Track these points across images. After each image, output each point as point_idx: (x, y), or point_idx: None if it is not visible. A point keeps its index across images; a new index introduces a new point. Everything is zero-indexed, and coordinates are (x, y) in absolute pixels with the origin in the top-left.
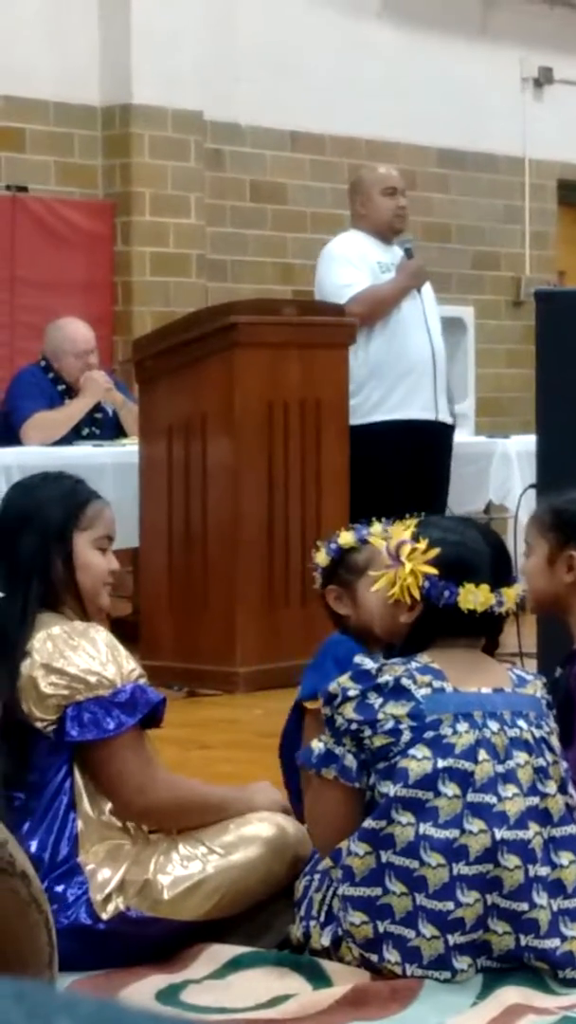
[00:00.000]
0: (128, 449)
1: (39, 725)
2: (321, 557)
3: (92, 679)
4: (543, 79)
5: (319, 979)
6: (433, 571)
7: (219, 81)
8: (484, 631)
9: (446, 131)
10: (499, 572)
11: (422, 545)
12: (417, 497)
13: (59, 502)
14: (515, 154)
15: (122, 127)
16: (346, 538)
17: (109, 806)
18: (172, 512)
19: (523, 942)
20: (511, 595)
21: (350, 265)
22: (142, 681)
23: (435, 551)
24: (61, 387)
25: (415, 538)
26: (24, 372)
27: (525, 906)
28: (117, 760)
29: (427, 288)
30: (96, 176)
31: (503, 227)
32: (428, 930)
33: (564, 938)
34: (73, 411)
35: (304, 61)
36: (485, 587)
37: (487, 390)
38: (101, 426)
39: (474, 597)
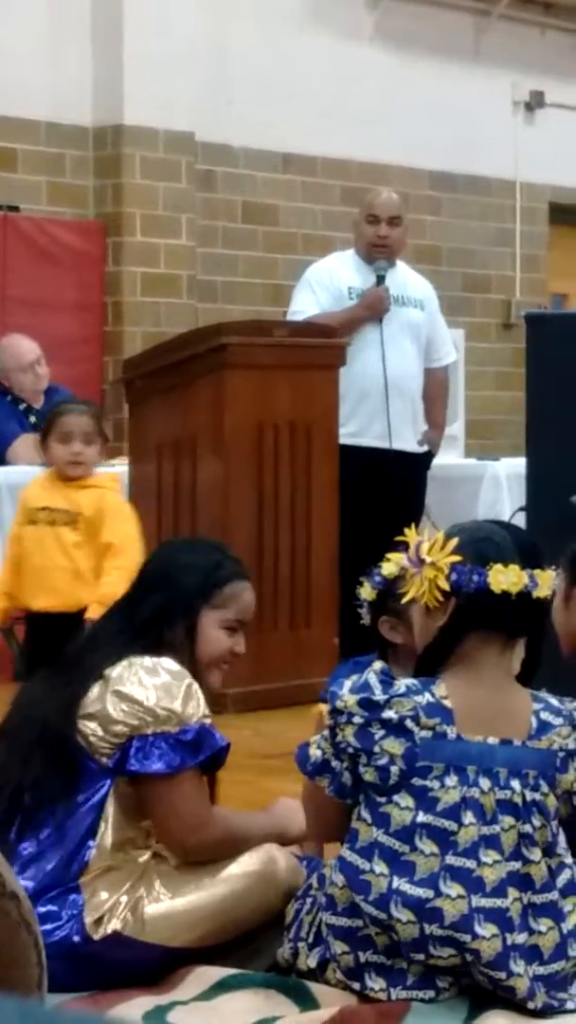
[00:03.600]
0: (118, 468)
1: (93, 741)
2: (367, 591)
3: (162, 713)
4: (535, 103)
5: (306, 1001)
6: (457, 558)
7: (211, 103)
8: (522, 627)
9: (438, 154)
10: (527, 555)
11: (440, 537)
12: (370, 525)
13: (198, 573)
14: (507, 177)
15: (114, 148)
16: (390, 568)
17: (121, 836)
18: (161, 532)
19: (502, 995)
20: (545, 578)
21: (310, 290)
22: (209, 723)
23: (454, 540)
24: (22, 406)
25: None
26: None
27: (503, 975)
28: (174, 797)
29: (401, 316)
30: (87, 196)
31: (494, 250)
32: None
33: (541, 995)
34: None
35: (297, 83)
36: (515, 567)
37: (477, 412)
38: None
39: (504, 577)
